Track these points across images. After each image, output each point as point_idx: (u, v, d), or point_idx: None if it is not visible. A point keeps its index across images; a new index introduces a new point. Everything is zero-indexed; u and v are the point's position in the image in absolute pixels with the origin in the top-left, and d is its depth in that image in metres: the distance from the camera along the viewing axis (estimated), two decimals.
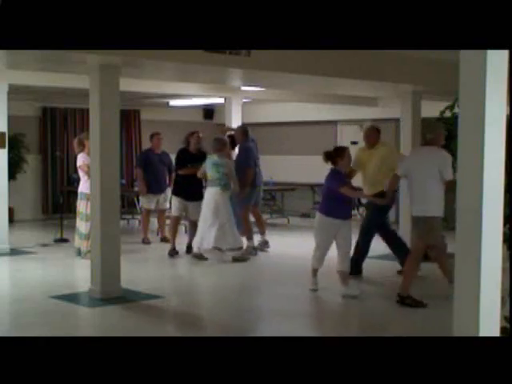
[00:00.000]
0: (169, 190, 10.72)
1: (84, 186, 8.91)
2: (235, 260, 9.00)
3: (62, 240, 10.40)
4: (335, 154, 7.05)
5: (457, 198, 3.43)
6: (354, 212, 11.92)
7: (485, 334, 3.29)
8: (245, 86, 10.63)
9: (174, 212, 9.51)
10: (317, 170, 13.10)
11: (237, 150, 10.03)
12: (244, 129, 9.94)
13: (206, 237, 8.94)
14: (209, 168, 9.00)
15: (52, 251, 9.75)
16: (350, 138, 14.18)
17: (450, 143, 8.91)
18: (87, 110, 7.22)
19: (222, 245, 9.05)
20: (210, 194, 8.98)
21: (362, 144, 14.70)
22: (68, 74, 8.67)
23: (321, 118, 14.27)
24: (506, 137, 3.34)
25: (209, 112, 15.66)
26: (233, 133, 10.08)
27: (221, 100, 12.24)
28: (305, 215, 14.18)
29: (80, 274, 8.20)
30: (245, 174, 9.35)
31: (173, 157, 10.92)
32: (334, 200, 6.97)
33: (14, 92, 9.84)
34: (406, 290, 6.62)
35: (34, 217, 13.51)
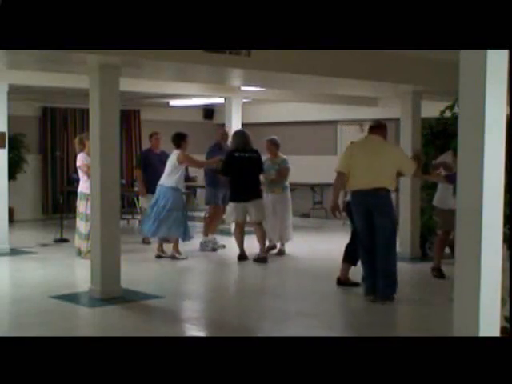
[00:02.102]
0: None
1: (84, 186, 8.91)
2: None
3: (62, 240, 10.40)
4: None
5: (457, 198, 3.43)
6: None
7: (485, 334, 3.29)
8: (245, 85, 10.62)
9: None
10: (317, 170, 13.16)
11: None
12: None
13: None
14: None
15: (52, 251, 9.75)
16: (350, 138, 14.16)
17: (450, 143, 8.93)
18: (87, 110, 7.21)
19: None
20: None
21: None
22: (68, 74, 8.67)
23: (321, 117, 14.26)
24: (506, 137, 3.34)
25: (209, 112, 15.66)
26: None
27: (221, 100, 12.24)
28: (305, 215, 14.18)
29: (80, 274, 8.20)
30: None
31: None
32: None
33: (14, 92, 9.83)
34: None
35: (34, 217, 13.51)
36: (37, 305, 6.61)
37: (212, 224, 10.00)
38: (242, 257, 9.03)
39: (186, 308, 6.90)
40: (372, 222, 6.73)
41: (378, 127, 7.24)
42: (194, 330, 6.03)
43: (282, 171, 9.52)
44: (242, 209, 9.02)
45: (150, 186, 10.43)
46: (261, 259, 8.90)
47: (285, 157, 9.65)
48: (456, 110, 4.53)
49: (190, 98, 12.55)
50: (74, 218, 9.29)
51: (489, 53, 3.22)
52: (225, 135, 10.14)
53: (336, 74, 7.71)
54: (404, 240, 9.33)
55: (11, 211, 11.45)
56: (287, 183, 9.68)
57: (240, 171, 8.92)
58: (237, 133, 9.42)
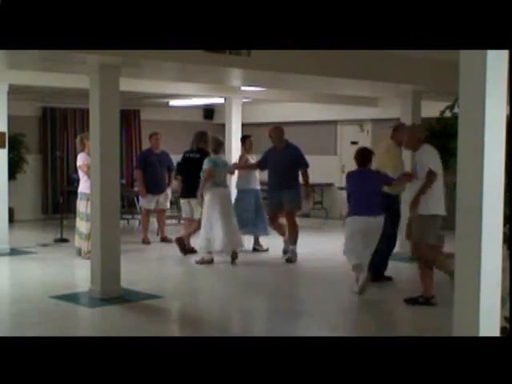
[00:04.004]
0: (169, 190, 10.72)
1: (84, 186, 8.91)
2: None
3: (62, 240, 10.40)
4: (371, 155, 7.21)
5: (457, 198, 3.43)
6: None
7: (485, 334, 3.29)
8: (245, 86, 10.63)
9: None
10: (316, 170, 13.14)
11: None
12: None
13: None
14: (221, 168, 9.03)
15: (52, 251, 9.75)
16: (350, 138, 14.18)
17: (449, 143, 8.89)
18: (87, 110, 7.22)
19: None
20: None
21: (361, 144, 14.70)
22: (68, 74, 8.67)
23: (321, 117, 14.26)
24: (506, 137, 3.34)
25: (209, 112, 15.66)
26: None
27: (221, 100, 12.24)
28: (305, 215, 14.17)
29: (80, 274, 8.20)
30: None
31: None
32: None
33: (14, 92, 9.84)
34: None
35: (34, 217, 13.51)
36: (37, 305, 6.61)
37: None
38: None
39: (185, 308, 6.90)
40: None
41: (395, 130, 7.64)
42: (194, 330, 6.03)
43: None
44: (187, 204, 9.50)
45: (150, 186, 10.44)
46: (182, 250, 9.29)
47: (217, 156, 8.88)
48: (456, 110, 4.53)
49: (190, 98, 12.55)
50: (74, 218, 9.29)
51: (489, 53, 3.21)
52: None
53: (336, 74, 7.72)
54: (404, 240, 9.31)
55: (11, 211, 11.45)
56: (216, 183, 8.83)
57: (187, 171, 9.47)
58: (196, 133, 9.69)
